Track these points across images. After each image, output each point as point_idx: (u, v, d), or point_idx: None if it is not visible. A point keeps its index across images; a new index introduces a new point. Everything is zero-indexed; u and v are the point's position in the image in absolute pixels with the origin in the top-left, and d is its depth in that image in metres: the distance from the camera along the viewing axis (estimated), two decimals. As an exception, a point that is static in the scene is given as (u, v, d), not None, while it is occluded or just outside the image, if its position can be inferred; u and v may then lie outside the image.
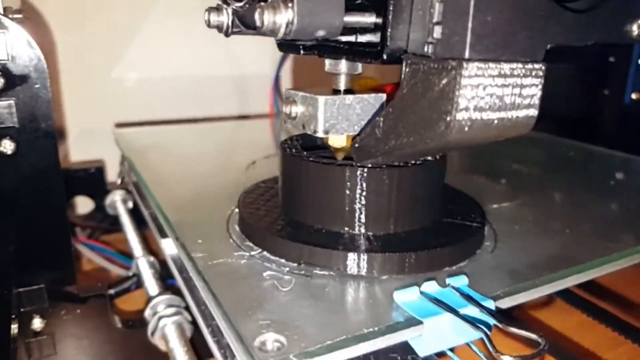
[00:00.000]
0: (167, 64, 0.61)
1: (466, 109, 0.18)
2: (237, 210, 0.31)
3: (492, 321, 0.22)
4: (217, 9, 0.24)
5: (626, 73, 0.54)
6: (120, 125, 0.59)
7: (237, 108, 0.66)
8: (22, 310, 0.33)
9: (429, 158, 0.27)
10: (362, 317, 0.22)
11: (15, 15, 0.33)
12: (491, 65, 0.19)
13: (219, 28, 0.24)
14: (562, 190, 0.41)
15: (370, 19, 0.21)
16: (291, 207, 0.29)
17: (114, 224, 0.49)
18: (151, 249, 0.41)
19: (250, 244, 0.28)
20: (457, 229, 0.28)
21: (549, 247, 0.29)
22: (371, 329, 0.21)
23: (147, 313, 0.32)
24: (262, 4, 0.20)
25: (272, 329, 0.20)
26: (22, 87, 0.32)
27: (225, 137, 0.57)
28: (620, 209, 0.38)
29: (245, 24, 0.24)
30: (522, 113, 0.20)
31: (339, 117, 0.24)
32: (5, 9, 0.32)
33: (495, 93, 0.19)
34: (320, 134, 0.24)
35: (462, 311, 0.22)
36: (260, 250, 0.27)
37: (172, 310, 0.31)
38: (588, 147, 0.52)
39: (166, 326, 0.30)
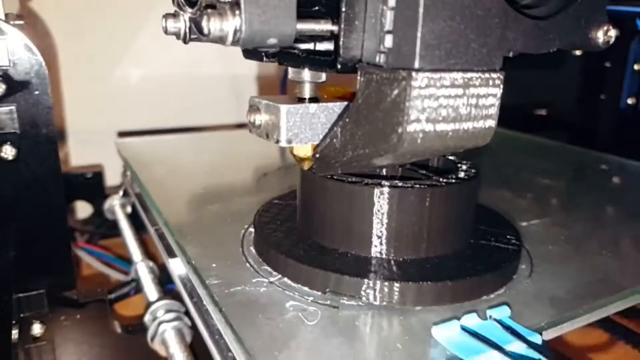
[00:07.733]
0: (168, 66, 0.60)
1: (417, 120, 0.18)
2: (251, 229, 0.29)
3: (539, 357, 0.20)
4: (174, 15, 0.22)
5: (622, 78, 0.55)
6: (122, 134, 0.58)
7: (237, 113, 0.65)
8: (22, 315, 0.33)
9: (462, 176, 0.26)
10: (399, 356, 0.20)
11: (17, 22, 0.33)
12: (443, 75, 0.18)
13: (177, 35, 0.23)
14: (585, 202, 0.39)
15: (325, 26, 0.20)
16: (312, 229, 0.27)
17: (112, 229, 0.49)
18: (150, 253, 0.41)
19: (269, 269, 0.26)
20: (493, 252, 0.26)
21: (587, 269, 0.28)
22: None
23: (147, 318, 0.32)
24: (209, 10, 0.19)
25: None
26: (23, 93, 0.32)
27: (231, 146, 0.54)
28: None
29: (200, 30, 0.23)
30: (479, 124, 0.19)
31: (303, 127, 0.23)
32: (6, 15, 0.32)
33: (449, 104, 0.18)
34: (283, 144, 0.23)
35: (507, 347, 0.20)
36: (279, 276, 0.25)
37: (171, 315, 0.31)
38: (593, 153, 0.51)
39: (166, 331, 0.30)
